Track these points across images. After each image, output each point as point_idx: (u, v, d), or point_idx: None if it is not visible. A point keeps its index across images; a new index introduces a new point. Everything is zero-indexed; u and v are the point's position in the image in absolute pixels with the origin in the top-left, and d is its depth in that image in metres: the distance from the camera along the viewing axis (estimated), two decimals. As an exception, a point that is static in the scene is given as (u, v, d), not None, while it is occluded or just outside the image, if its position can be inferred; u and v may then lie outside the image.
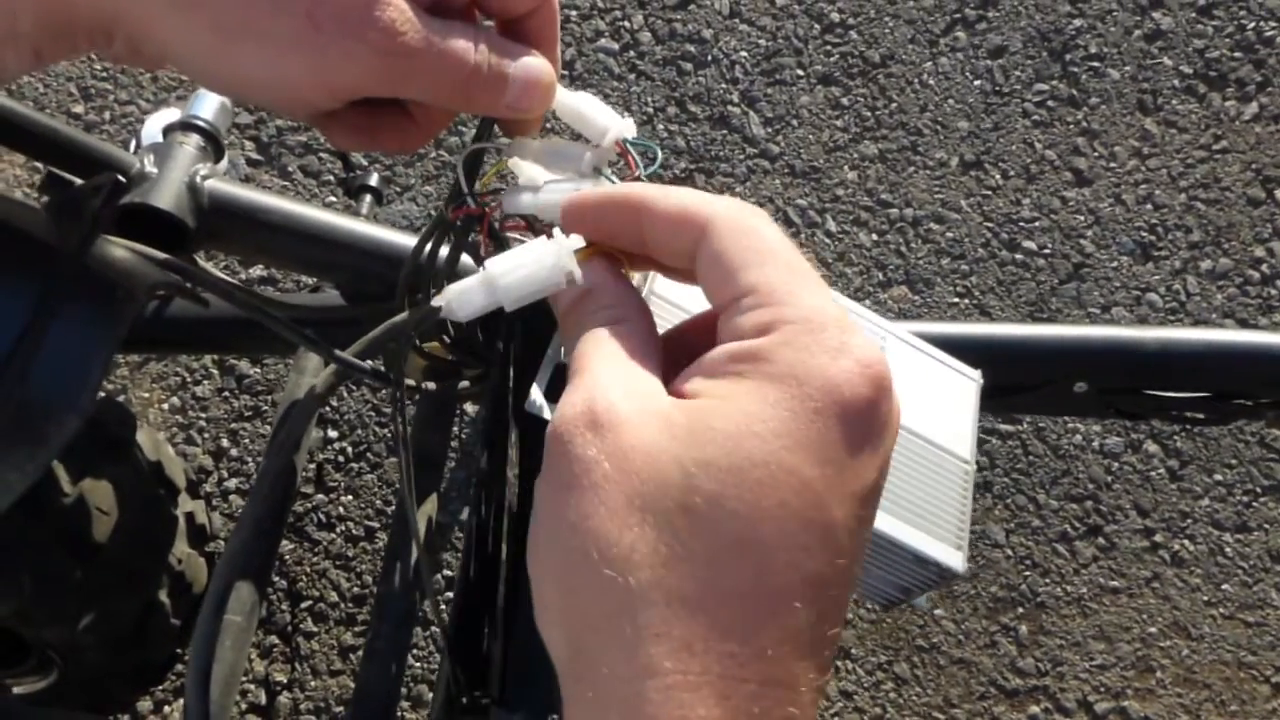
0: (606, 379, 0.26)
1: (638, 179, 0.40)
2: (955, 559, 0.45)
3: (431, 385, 0.78)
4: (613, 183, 0.41)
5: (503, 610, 0.74)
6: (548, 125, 0.39)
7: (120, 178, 0.72)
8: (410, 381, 0.77)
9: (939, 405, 0.49)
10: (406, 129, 0.35)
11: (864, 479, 0.25)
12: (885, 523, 0.44)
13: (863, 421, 0.25)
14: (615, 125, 0.40)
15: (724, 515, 0.23)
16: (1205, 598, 1.32)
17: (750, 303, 0.26)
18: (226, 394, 1.39)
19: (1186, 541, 1.34)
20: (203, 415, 1.38)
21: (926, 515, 0.45)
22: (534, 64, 0.34)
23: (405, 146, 0.35)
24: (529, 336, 0.67)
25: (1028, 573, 1.33)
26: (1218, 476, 1.37)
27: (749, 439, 0.24)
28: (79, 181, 0.75)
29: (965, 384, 0.51)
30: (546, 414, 0.48)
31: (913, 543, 0.44)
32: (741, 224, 0.28)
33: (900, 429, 0.47)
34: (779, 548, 0.23)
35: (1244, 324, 1.43)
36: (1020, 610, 1.31)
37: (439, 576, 1.29)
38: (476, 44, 0.32)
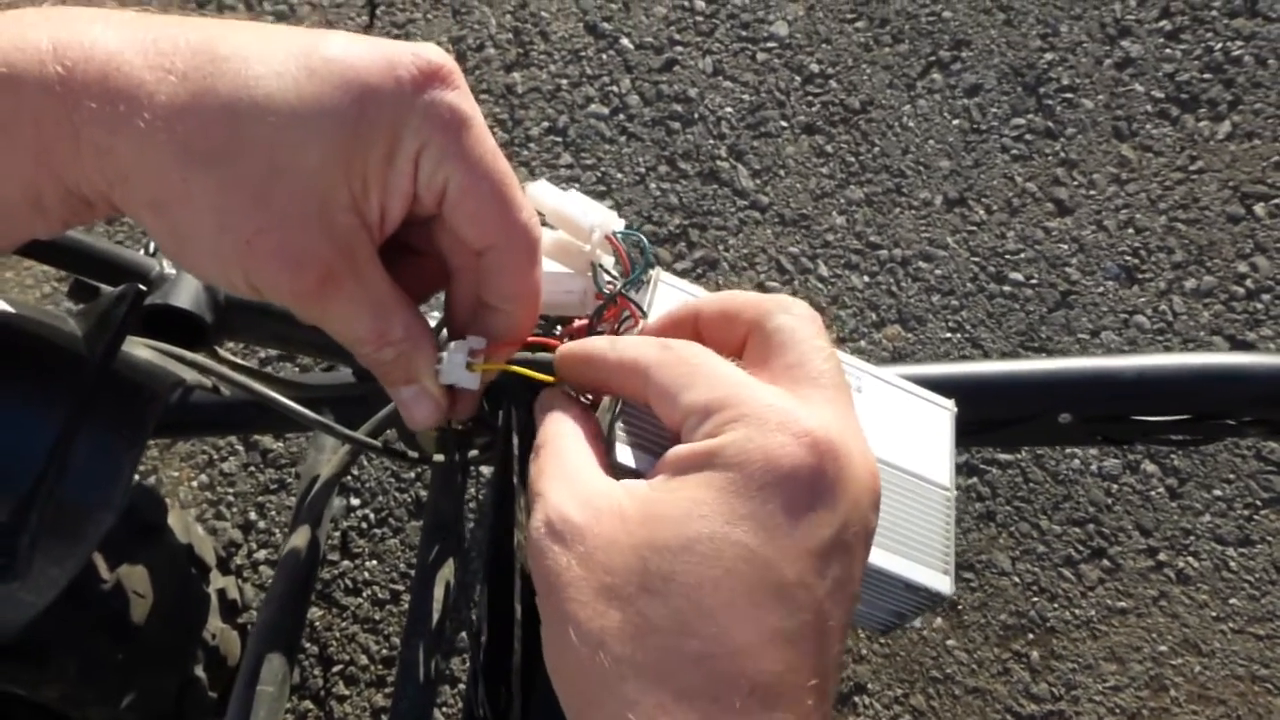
0: (557, 497, 0.30)
1: (630, 272, 0.44)
2: (943, 583, 0.47)
3: (440, 456, 0.83)
4: (610, 274, 0.45)
5: (519, 670, 0.78)
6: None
7: (142, 287, 0.78)
8: (417, 453, 0.81)
9: (917, 437, 0.51)
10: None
11: (817, 536, 0.28)
12: (874, 554, 0.46)
13: (806, 486, 0.28)
14: (600, 222, 0.43)
15: (678, 589, 0.27)
16: (1214, 613, 1.33)
17: (695, 420, 0.30)
18: (252, 469, 1.45)
19: (1191, 558, 1.36)
20: (230, 490, 1.43)
21: (913, 544, 0.46)
22: (417, 397, 0.37)
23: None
24: (533, 404, 0.71)
25: (1035, 598, 1.35)
26: (1217, 492, 1.39)
27: (695, 520, 0.27)
28: (104, 287, 0.81)
29: (940, 414, 0.53)
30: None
31: (902, 571, 0.45)
32: (672, 359, 0.32)
33: (881, 463, 0.49)
34: (732, 610, 0.26)
35: (1232, 339, 1.46)
36: (1031, 636, 1.33)
37: (461, 635, 1.33)
38: (389, 342, 0.35)
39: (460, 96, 0.33)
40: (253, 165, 0.30)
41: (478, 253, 0.36)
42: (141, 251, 0.87)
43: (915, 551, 0.48)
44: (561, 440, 0.34)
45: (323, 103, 0.30)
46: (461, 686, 1.30)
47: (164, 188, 0.30)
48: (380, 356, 0.35)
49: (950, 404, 0.54)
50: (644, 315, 0.43)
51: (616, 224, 0.44)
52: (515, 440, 0.75)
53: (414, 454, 0.83)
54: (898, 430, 0.51)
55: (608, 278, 0.44)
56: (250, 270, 0.31)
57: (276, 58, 0.31)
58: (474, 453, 0.84)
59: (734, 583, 0.27)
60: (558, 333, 0.48)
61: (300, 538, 0.82)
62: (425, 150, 0.32)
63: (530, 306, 0.38)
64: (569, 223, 0.44)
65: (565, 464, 0.32)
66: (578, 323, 0.46)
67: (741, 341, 0.34)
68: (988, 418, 0.76)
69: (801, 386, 0.31)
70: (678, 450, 0.30)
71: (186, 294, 0.82)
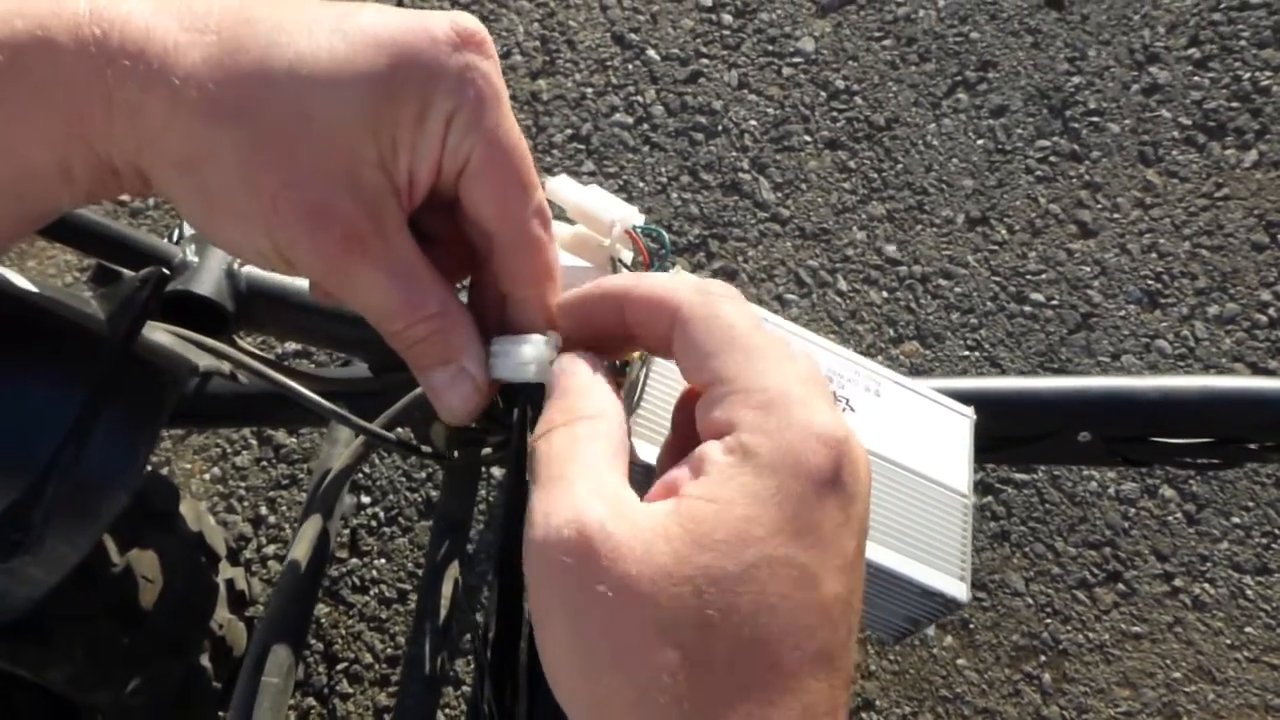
0: (587, 494, 0.27)
1: (650, 264, 0.44)
2: (959, 589, 0.46)
3: (456, 453, 0.83)
4: (628, 267, 0.45)
5: (525, 669, 0.77)
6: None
7: (165, 270, 0.78)
8: (430, 449, 0.81)
9: (935, 443, 0.50)
10: None
11: (845, 550, 0.27)
12: (892, 559, 0.45)
13: (833, 494, 0.27)
14: (620, 217, 0.44)
15: (737, 621, 0.25)
16: (1229, 641, 1.32)
17: (720, 391, 0.29)
18: (264, 463, 1.45)
19: (1207, 585, 1.35)
20: (242, 484, 1.44)
21: (930, 549, 0.46)
22: (455, 380, 0.34)
23: None
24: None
25: (1049, 620, 1.34)
26: (1235, 519, 1.38)
27: (751, 544, 0.25)
28: (126, 272, 0.81)
29: (959, 421, 0.53)
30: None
31: (918, 576, 0.45)
32: (707, 310, 0.30)
33: (900, 468, 0.48)
34: (787, 634, 0.25)
35: (1254, 367, 1.45)
36: (1043, 658, 1.32)
37: (467, 636, 1.33)
38: (424, 316, 0.33)
39: (493, 66, 0.32)
40: (280, 121, 0.30)
41: (492, 234, 0.35)
42: (166, 240, 0.87)
43: (932, 557, 0.47)
44: (588, 425, 0.30)
45: (354, 61, 0.30)
46: (465, 689, 1.30)
47: (192, 144, 0.30)
48: (414, 333, 0.33)
49: (970, 412, 0.53)
50: None
51: (636, 219, 0.44)
52: (530, 436, 0.74)
53: (428, 449, 0.83)
54: (917, 436, 0.51)
55: (628, 273, 0.44)
56: (274, 229, 0.31)
57: (307, 20, 0.31)
58: (487, 451, 0.84)
59: (789, 607, 0.26)
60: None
61: (311, 529, 0.82)
62: (456, 115, 0.32)
63: (551, 292, 0.36)
64: (589, 217, 0.43)
65: (602, 447, 0.29)
66: None
67: (667, 331, 0.31)
68: (1008, 434, 0.76)
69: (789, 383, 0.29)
70: (703, 448, 0.28)
71: (208, 282, 0.82)
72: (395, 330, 0.33)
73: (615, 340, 0.34)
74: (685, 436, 0.31)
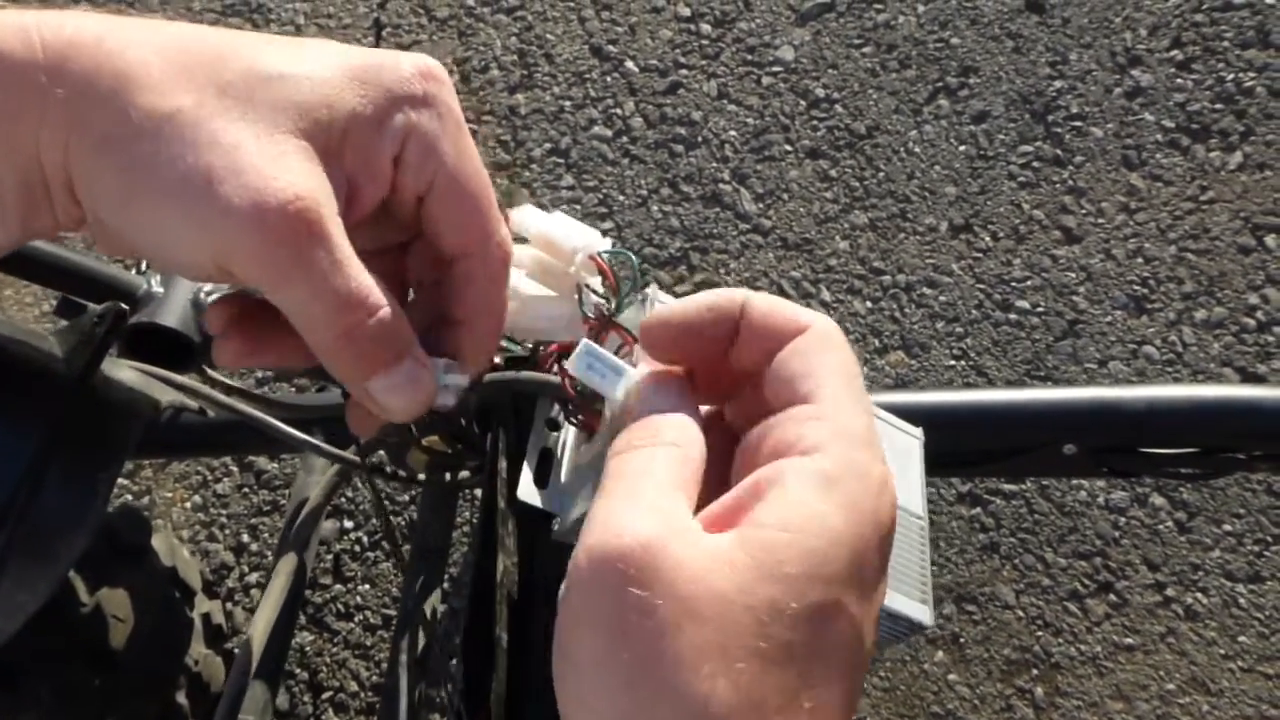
0: (653, 510, 0.26)
1: (618, 288, 0.43)
2: (923, 613, 0.46)
3: (422, 476, 0.81)
4: (597, 294, 0.44)
5: (502, 698, 0.76)
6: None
7: (123, 306, 0.77)
8: (388, 471, 0.80)
9: (889, 465, 0.51)
10: (290, 346, 0.34)
11: (879, 599, 0.28)
12: None
13: (885, 551, 0.27)
14: (584, 244, 0.43)
15: (793, 657, 0.24)
16: (1222, 651, 1.30)
17: (807, 412, 0.28)
18: (246, 490, 1.43)
19: (1199, 594, 1.33)
20: (224, 512, 1.42)
21: (891, 574, 0.47)
22: (412, 374, 0.32)
23: (284, 363, 0.34)
24: (521, 428, 0.70)
25: (1040, 633, 1.32)
26: (1227, 527, 1.36)
27: (819, 583, 0.25)
28: (91, 305, 0.79)
29: (910, 442, 0.53)
30: (537, 501, 0.51)
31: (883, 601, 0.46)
32: (838, 338, 0.30)
33: None
34: (829, 682, 0.25)
35: (1243, 372, 1.44)
36: (1035, 671, 1.30)
37: (453, 661, 1.31)
38: (378, 307, 0.31)
39: (454, 99, 0.33)
40: (225, 104, 0.29)
41: (451, 260, 0.34)
42: (134, 271, 0.86)
43: (894, 580, 0.47)
44: (667, 451, 0.28)
45: (316, 67, 0.31)
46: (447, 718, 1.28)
47: (122, 121, 0.28)
48: (371, 325, 0.30)
49: (919, 432, 0.53)
50: (636, 340, 0.41)
51: (601, 244, 0.42)
52: (503, 464, 0.73)
53: (403, 474, 0.81)
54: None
55: (598, 300, 0.43)
56: (211, 215, 0.28)
57: (272, 41, 0.31)
58: (464, 474, 0.82)
59: (837, 650, 0.25)
60: (543, 352, 0.47)
61: (286, 564, 0.80)
62: (416, 134, 0.31)
63: (497, 321, 0.35)
64: (553, 245, 0.42)
65: (679, 474, 0.28)
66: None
67: (777, 348, 0.30)
68: (993, 447, 0.75)
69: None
70: (786, 470, 0.27)
71: (173, 313, 0.81)
72: (350, 324, 0.30)
73: (704, 365, 0.33)
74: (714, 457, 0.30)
